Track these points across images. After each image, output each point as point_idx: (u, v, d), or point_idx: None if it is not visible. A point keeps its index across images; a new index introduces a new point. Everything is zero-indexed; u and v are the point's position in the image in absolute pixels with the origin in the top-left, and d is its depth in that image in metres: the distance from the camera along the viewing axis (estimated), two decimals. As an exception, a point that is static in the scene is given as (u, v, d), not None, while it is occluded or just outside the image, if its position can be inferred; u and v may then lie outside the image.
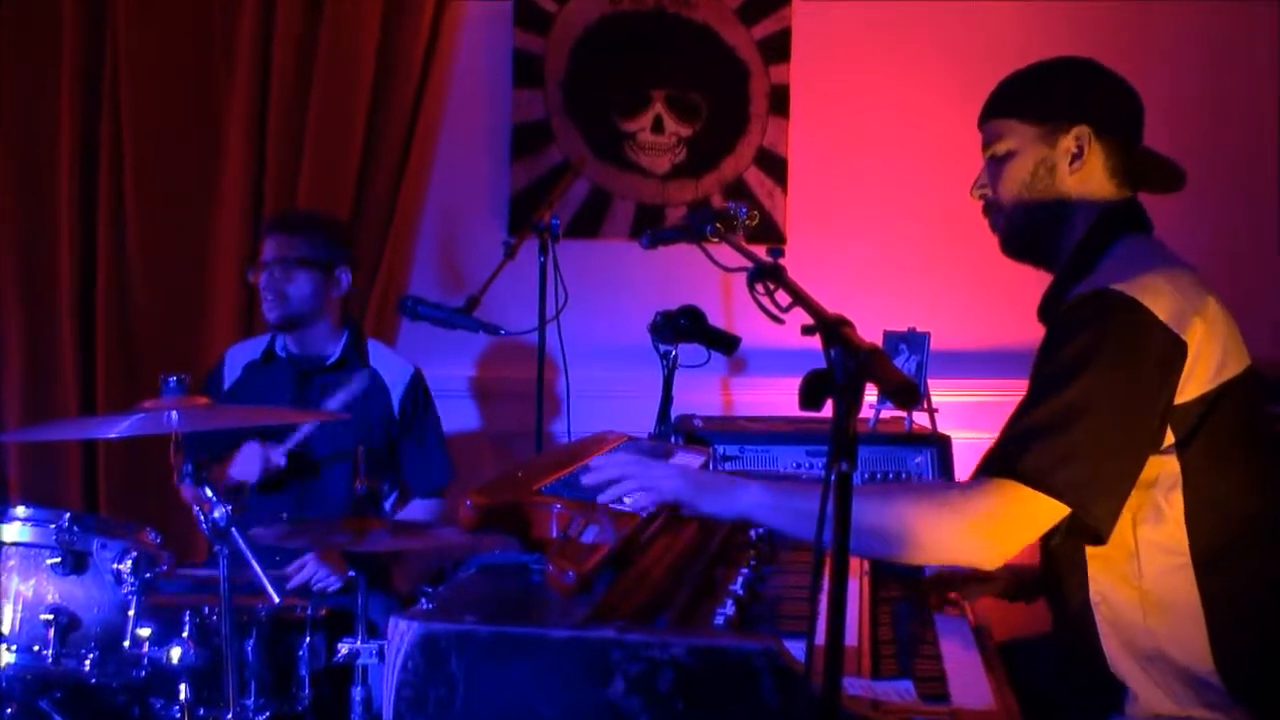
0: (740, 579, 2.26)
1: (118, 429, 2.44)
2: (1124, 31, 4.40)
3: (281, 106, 4.23)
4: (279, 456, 3.39)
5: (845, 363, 1.55)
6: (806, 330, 1.67)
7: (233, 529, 2.40)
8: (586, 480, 2.19)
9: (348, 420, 3.38)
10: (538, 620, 1.76)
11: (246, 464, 3.36)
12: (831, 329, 1.61)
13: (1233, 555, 2.10)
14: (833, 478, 1.51)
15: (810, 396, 1.55)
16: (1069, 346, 2.03)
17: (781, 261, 1.98)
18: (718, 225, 2.37)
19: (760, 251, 2.12)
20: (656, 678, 1.67)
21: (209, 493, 2.46)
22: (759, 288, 1.97)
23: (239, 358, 3.70)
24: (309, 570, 3.27)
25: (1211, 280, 2.17)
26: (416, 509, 3.66)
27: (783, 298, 1.93)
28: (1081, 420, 1.98)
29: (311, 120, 4.23)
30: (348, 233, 3.84)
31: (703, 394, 4.29)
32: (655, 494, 2.16)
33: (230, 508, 2.40)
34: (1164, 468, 2.06)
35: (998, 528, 2.00)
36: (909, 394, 1.51)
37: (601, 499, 2.14)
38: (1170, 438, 2.05)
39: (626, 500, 2.15)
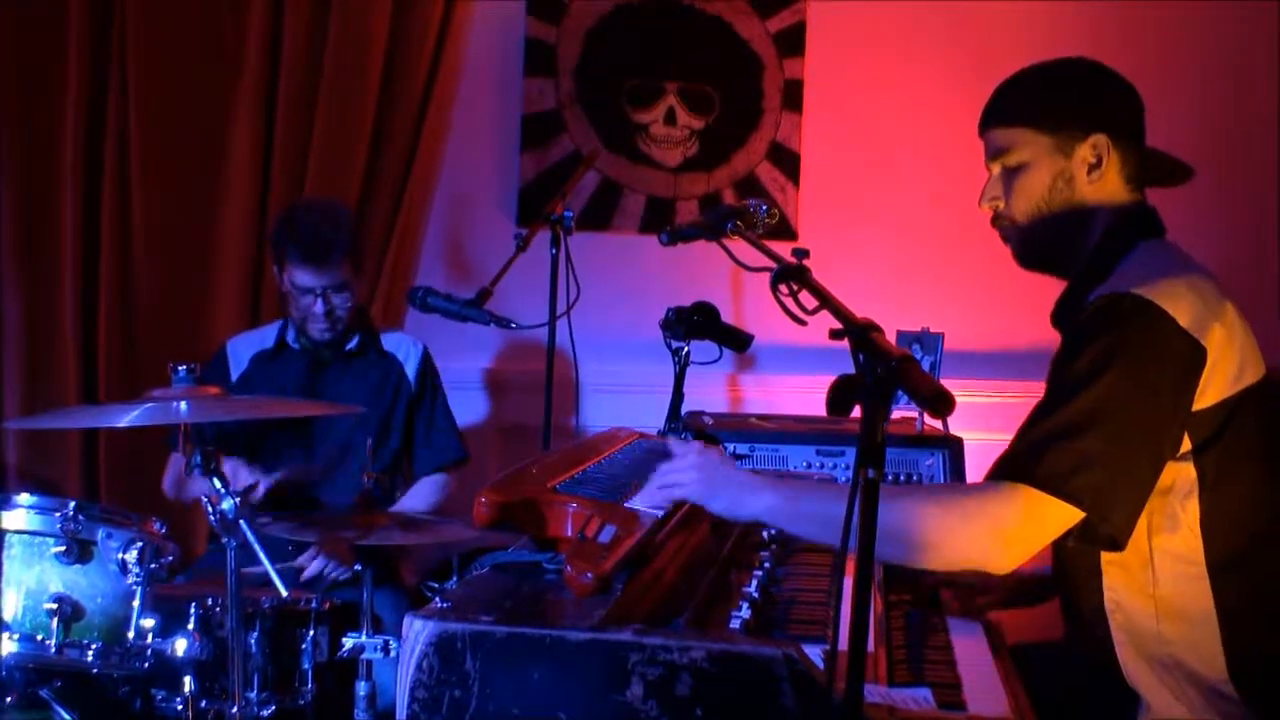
0: (754, 581, 2.24)
1: (127, 418, 2.41)
2: (1144, 26, 4.37)
3: (290, 93, 4.21)
4: (257, 482, 3.33)
5: (874, 369, 1.52)
6: (835, 334, 1.64)
7: (241, 521, 2.37)
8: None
9: (367, 403, 3.36)
10: (554, 621, 1.74)
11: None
12: (861, 334, 1.58)
13: (1248, 564, 2.09)
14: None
15: (838, 402, 1.53)
16: (1088, 350, 2.00)
17: (805, 262, 1.95)
18: (738, 223, 2.34)
19: (779, 250, 2.09)
20: (675, 682, 1.65)
21: (217, 483, 2.43)
22: (782, 289, 1.94)
23: (244, 349, 3.66)
24: (319, 563, 3.25)
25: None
26: (425, 487, 3.64)
27: (806, 299, 1.90)
28: (1100, 425, 1.96)
29: (320, 107, 4.20)
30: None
31: (709, 390, 4.27)
32: (670, 491, 2.16)
33: (239, 499, 2.38)
34: (1180, 474, 2.05)
35: (1010, 532, 1.97)
36: (943, 403, 1.48)
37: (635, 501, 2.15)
38: (1188, 444, 2.04)
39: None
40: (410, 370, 3.64)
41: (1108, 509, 1.96)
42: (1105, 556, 2.11)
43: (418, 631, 1.71)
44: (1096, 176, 2.18)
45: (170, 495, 3.58)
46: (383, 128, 4.27)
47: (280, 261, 3.50)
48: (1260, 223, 4.52)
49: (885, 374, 1.50)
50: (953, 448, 3.36)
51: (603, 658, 1.67)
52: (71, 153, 4.11)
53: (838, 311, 1.73)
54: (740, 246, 2.29)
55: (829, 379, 1.61)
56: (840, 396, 1.51)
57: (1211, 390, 2.03)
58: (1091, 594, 2.15)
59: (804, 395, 4.26)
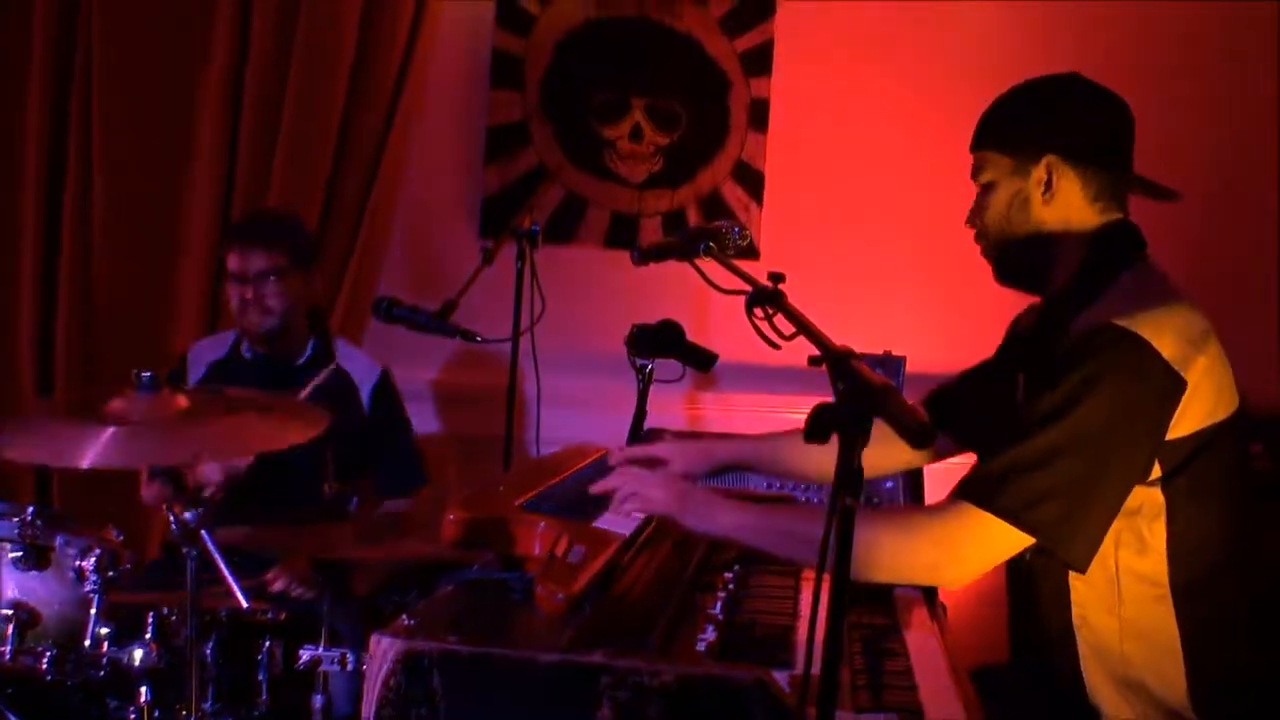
0: (719, 603, 2.24)
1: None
2: (1110, 39, 4.39)
3: (256, 100, 4.18)
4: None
5: (853, 397, 1.53)
6: (814, 361, 1.65)
7: (203, 531, 2.35)
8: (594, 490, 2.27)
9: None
10: (523, 642, 1.74)
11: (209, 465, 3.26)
12: (840, 361, 1.59)
13: (1212, 590, 2.12)
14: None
15: (816, 430, 1.52)
16: (1066, 380, 2.02)
17: (781, 286, 1.95)
18: (711, 244, 2.34)
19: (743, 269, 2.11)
20: (645, 705, 1.65)
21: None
22: (757, 312, 1.94)
23: (203, 355, 3.62)
24: (283, 582, 3.21)
25: (1205, 304, 2.17)
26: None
27: (781, 323, 1.91)
28: (1067, 458, 1.99)
29: (287, 113, 4.18)
30: (309, 230, 3.77)
31: (668, 407, 4.27)
32: (644, 503, 2.21)
33: (201, 509, 2.35)
34: (1148, 498, 2.07)
35: (964, 552, 2.03)
36: (924, 434, 1.48)
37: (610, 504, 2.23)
38: (1157, 470, 2.06)
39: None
40: (364, 392, 3.58)
41: (1067, 540, 2.00)
42: (1072, 574, 2.14)
43: (384, 649, 1.70)
44: (1049, 197, 2.20)
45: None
46: (349, 133, 4.24)
47: (222, 258, 3.50)
48: (1260, 236, 4.52)
49: (866, 402, 1.50)
50: (912, 471, 3.37)
51: (573, 680, 1.67)
52: (34, 150, 4.07)
53: (815, 337, 1.74)
54: (711, 267, 2.30)
55: (788, 399, 1.63)
56: (818, 424, 1.51)
57: (1186, 420, 2.05)
58: (1060, 610, 2.18)
59: (763, 414, 4.26)
